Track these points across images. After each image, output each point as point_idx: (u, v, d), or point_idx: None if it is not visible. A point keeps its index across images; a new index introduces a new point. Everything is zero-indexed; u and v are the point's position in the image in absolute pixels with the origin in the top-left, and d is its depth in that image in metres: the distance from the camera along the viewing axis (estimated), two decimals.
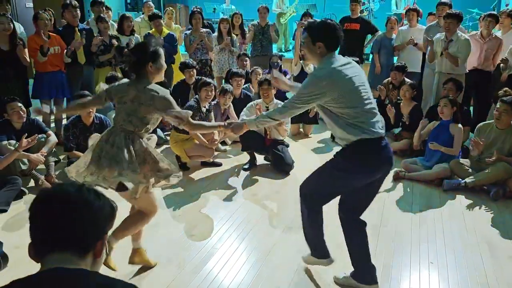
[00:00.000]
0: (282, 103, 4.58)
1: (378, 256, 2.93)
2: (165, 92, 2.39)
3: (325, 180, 2.47)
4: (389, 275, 2.75)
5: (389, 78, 5.66)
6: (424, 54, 5.89)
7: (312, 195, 2.50)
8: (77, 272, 1.02)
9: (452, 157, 4.21)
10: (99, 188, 1.20)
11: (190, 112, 2.51)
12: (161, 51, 2.45)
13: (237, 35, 6.75)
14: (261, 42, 7.02)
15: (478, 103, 5.52)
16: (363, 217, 2.59)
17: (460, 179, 4.06)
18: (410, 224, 3.39)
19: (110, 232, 2.37)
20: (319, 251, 2.67)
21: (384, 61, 6.36)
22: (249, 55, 6.60)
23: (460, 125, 4.23)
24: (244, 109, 4.64)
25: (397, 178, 4.28)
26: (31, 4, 12.00)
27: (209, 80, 4.46)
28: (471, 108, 5.60)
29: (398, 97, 5.39)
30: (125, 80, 2.54)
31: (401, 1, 10.76)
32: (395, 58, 6.47)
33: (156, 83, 2.45)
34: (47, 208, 1.05)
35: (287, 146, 4.69)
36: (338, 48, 2.42)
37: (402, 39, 6.14)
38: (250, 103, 4.71)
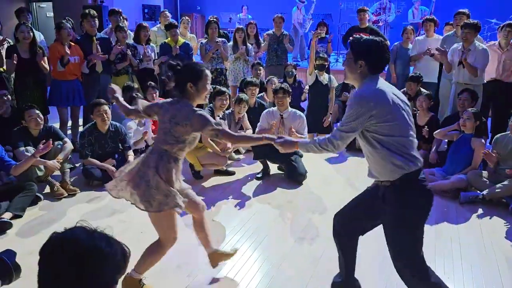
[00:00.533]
0: (297, 111, 4.63)
1: (393, 270, 2.87)
2: (201, 111, 2.35)
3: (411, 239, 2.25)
4: None
5: (405, 89, 5.60)
6: (441, 64, 5.82)
7: (414, 260, 2.27)
8: None
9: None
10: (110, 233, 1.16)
11: (223, 122, 2.44)
12: (205, 73, 2.37)
13: (252, 44, 6.79)
14: (276, 52, 7.04)
15: (496, 114, 5.41)
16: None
17: (477, 191, 3.97)
18: (426, 237, 3.30)
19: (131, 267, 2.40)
20: None
21: (400, 71, 6.30)
22: (263, 64, 6.62)
23: (482, 140, 4.14)
24: (261, 118, 4.65)
25: None
26: (51, 14, 12.31)
27: (223, 89, 4.48)
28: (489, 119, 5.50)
29: (414, 108, 5.33)
30: (169, 99, 2.49)
31: (418, 11, 10.70)
32: (411, 68, 6.41)
33: None
34: (57, 256, 1.03)
35: (301, 156, 4.66)
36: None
37: (419, 49, 6.08)
38: (266, 110, 4.72)
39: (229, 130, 2.44)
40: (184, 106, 2.35)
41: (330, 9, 10.59)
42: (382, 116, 2.00)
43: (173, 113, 2.32)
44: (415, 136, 2.13)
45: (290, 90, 4.65)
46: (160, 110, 2.43)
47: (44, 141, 3.71)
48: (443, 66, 5.27)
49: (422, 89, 5.44)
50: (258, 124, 4.67)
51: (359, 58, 2.09)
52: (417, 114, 5.10)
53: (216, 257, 2.75)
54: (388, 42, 6.58)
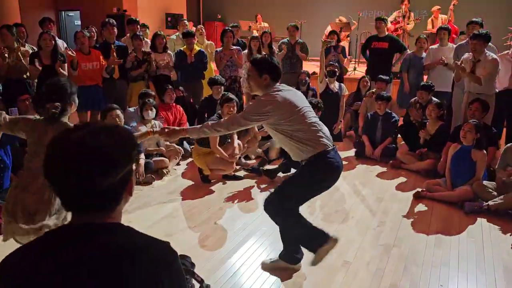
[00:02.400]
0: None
1: (386, 276, 2.90)
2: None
3: (298, 190, 2.74)
4: None
5: (416, 98, 5.60)
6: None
7: (288, 202, 2.74)
8: (114, 226, 1.00)
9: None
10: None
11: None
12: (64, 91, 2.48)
13: (266, 53, 6.90)
14: (291, 60, 7.13)
15: (510, 124, 5.34)
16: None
17: (482, 202, 3.94)
18: (425, 246, 3.33)
19: None
20: (321, 238, 2.78)
21: (414, 80, 6.29)
22: None
23: (484, 151, 4.10)
24: None
25: (418, 197, 4.21)
26: (79, 22, 12.80)
27: (232, 96, 4.61)
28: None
29: (423, 117, 5.32)
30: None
31: (437, 19, 10.59)
32: (425, 77, 6.39)
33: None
34: (64, 166, 0.94)
35: None
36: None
37: (433, 58, 6.06)
38: None
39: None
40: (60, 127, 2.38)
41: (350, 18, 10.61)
42: (280, 115, 2.56)
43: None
44: (317, 121, 2.69)
45: (321, 106, 4.86)
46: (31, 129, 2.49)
47: None
48: (453, 75, 5.24)
49: (434, 98, 5.42)
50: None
51: (263, 73, 2.63)
52: (427, 123, 5.09)
53: None
54: (408, 51, 6.64)
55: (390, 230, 3.58)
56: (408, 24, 10.04)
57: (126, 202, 1.06)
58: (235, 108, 4.58)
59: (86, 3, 12.01)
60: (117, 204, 1.02)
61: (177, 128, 2.92)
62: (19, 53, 5.09)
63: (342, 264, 3.05)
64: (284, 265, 2.91)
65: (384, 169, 5.18)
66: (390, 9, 11.24)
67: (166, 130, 2.76)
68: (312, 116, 2.70)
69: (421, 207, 4.07)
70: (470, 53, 4.89)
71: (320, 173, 2.67)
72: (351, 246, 3.30)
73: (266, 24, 11.41)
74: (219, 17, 13.52)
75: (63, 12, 12.92)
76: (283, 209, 2.74)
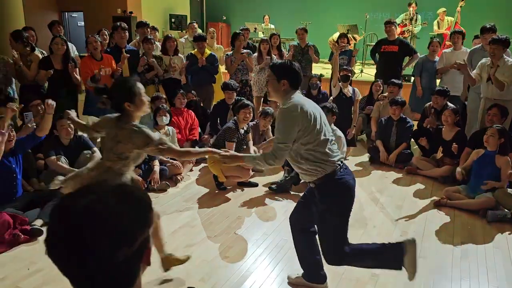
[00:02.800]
0: (337, 130, 4.72)
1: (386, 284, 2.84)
2: (144, 128, 2.43)
3: (337, 228, 2.55)
4: None
5: (431, 103, 5.54)
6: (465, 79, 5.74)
7: (340, 244, 2.56)
8: None
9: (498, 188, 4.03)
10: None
11: (165, 139, 2.55)
12: (137, 88, 2.44)
13: (275, 55, 6.83)
14: (301, 63, 7.06)
15: None
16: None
17: (506, 210, 3.88)
18: (451, 257, 3.27)
19: None
20: (397, 250, 2.60)
21: (426, 84, 6.24)
22: None
23: (508, 157, 4.04)
24: None
25: (438, 205, 4.15)
26: (82, 23, 12.70)
27: (247, 102, 4.53)
28: None
29: (438, 123, 5.26)
30: (111, 115, 2.56)
31: (443, 21, 10.54)
32: (438, 81, 6.34)
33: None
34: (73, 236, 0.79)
35: None
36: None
37: (446, 62, 6.00)
38: None
39: (173, 146, 2.56)
40: (125, 124, 2.43)
41: (357, 20, 10.55)
42: (304, 123, 2.37)
43: (115, 132, 2.42)
44: (329, 138, 2.48)
45: (335, 110, 4.78)
46: (105, 126, 2.53)
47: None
48: (468, 80, 5.17)
49: (449, 104, 5.36)
50: None
51: (282, 77, 2.47)
52: (442, 129, 5.03)
53: (169, 262, 2.83)
54: (418, 54, 6.58)
55: None
56: (415, 27, 9.98)
57: (142, 272, 0.91)
58: (251, 114, 4.51)
59: (89, 4, 11.90)
60: (135, 278, 0.87)
61: (237, 154, 2.73)
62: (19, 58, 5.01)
63: (370, 277, 2.98)
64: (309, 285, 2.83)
65: (400, 175, 5.12)
66: (396, 11, 11.19)
67: (229, 154, 2.62)
68: (326, 130, 2.49)
69: (442, 215, 4.01)
70: (488, 59, 4.82)
71: (342, 199, 2.50)
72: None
73: (272, 26, 11.33)
74: (224, 18, 13.43)
75: (66, 14, 12.82)
76: (344, 252, 2.53)
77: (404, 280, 2.94)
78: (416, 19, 10.16)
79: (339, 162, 2.48)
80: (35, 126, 4.08)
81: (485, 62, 4.83)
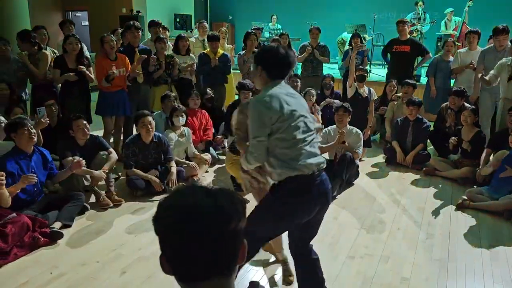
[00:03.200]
0: (354, 129, 4.67)
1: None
2: None
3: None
4: None
5: (447, 103, 5.48)
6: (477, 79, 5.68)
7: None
8: None
9: None
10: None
11: None
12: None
13: None
14: (312, 63, 7.01)
15: None
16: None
17: None
18: (481, 261, 3.20)
19: None
20: None
21: (441, 84, 6.19)
22: (300, 76, 6.60)
23: None
24: (321, 137, 4.67)
25: (460, 207, 4.09)
26: (86, 23, 12.62)
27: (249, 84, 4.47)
28: None
29: (456, 123, 5.20)
30: None
31: (450, 22, 10.50)
32: (452, 81, 6.28)
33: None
34: (187, 232, 0.88)
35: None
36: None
37: (461, 62, 5.94)
38: (325, 130, 4.78)
39: None
40: None
41: (364, 19, 10.50)
42: (275, 116, 2.07)
43: None
44: (308, 139, 2.16)
45: (351, 110, 4.73)
46: None
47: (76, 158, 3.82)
48: (482, 83, 5.10)
49: (466, 104, 5.30)
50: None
51: (258, 63, 2.21)
52: (461, 129, 4.97)
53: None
54: (430, 54, 6.52)
55: (441, 243, 3.45)
56: (423, 26, 9.93)
57: (239, 270, 1.02)
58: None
59: (94, 3, 11.82)
60: (235, 266, 0.96)
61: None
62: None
63: (401, 281, 2.91)
64: None
65: (417, 176, 5.05)
66: (403, 11, 11.14)
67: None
68: (308, 131, 2.17)
69: (466, 217, 3.95)
70: (508, 59, 4.77)
71: (295, 199, 2.14)
72: (405, 261, 3.16)
73: (279, 26, 11.26)
74: (230, 18, 13.36)
75: (70, 13, 12.73)
76: (253, 244, 2.11)
77: (435, 284, 2.88)
78: (425, 18, 10.11)
79: (316, 169, 2.14)
80: (48, 121, 4.00)
81: (505, 62, 4.77)
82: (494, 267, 3.12)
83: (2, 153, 3.55)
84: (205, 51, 6.05)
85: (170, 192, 0.97)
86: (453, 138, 4.92)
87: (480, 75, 4.99)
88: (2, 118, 4.17)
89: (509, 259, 3.23)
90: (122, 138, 5.37)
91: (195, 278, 0.92)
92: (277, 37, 6.79)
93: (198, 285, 0.92)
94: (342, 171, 4.42)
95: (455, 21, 10.33)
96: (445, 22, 10.51)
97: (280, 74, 2.21)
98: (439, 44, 10.06)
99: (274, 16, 11.79)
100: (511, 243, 3.48)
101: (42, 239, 3.24)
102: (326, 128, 4.82)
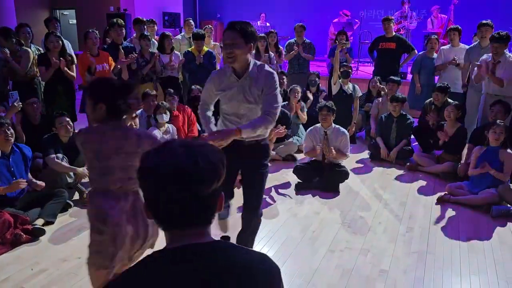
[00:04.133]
0: (341, 128, 4.67)
1: (427, 285, 2.83)
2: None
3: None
4: None
5: (431, 99, 5.55)
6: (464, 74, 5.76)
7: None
8: (218, 245, 1.01)
9: (501, 183, 4.04)
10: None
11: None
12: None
13: (272, 53, 6.79)
14: (298, 60, 7.05)
15: None
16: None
17: (510, 206, 3.90)
18: (459, 253, 3.26)
19: None
20: None
21: (425, 81, 6.25)
22: (286, 73, 6.63)
23: (510, 151, 4.06)
24: (305, 137, 4.75)
25: (441, 201, 4.15)
26: (74, 21, 12.54)
27: None
28: None
29: (439, 120, 5.26)
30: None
31: (437, 19, 10.60)
32: (436, 78, 6.35)
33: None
34: (167, 193, 0.95)
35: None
36: None
37: (444, 59, 6.02)
38: (309, 129, 4.77)
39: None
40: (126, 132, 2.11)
41: (350, 17, 10.56)
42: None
43: (118, 145, 2.06)
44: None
45: (335, 108, 4.67)
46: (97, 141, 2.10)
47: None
48: (472, 77, 5.18)
49: (449, 100, 5.37)
50: (303, 144, 4.71)
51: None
52: (445, 125, 5.04)
53: None
54: (416, 51, 6.59)
55: (420, 236, 3.51)
56: (411, 23, 10.02)
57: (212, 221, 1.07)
58: None
59: (81, 1, 11.76)
60: (213, 216, 1.03)
61: (229, 129, 2.41)
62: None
63: (379, 273, 2.96)
64: None
65: (401, 171, 5.11)
66: (390, 9, 11.23)
67: (216, 133, 2.34)
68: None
69: (446, 211, 4.01)
70: (489, 55, 4.84)
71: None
72: (385, 254, 3.21)
73: (268, 24, 11.29)
74: (219, 16, 13.35)
75: (57, 11, 12.64)
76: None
77: (413, 275, 2.93)
78: (411, 16, 10.20)
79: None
80: (21, 105, 3.97)
81: (486, 58, 4.84)
82: (471, 258, 3.18)
83: None
84: (189, 49, 6.06)
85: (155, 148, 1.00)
86: (439, 132, 4.97)
87: (474, 74, 5.03)
88: None
89: (485, 251, 3.29)
90: None
91: (175, 227, 1.00)
92: (263, 35, 6.80)
93: (178, 233, 1.00)
94: None
95: (441, 18, 10.43)
96: (431, 19, 10.61)
97: None
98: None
99: (263, 14, 11.82)
100: (488, 235, 3.55)
101: (24, 236, 3.24)
102: (311, 127, 4.78)
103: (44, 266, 2.96)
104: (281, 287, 1.06)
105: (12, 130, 3.56)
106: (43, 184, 3.72)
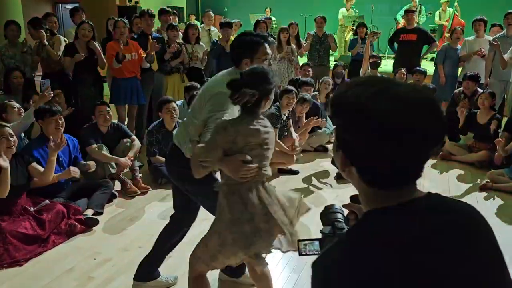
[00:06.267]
0: None
1: None
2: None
3: None
4: None
5: (461, 88, 5.56)
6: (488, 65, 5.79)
7: None
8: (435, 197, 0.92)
9: None
10: None
11: None
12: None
13: (294, 44, 6.74)
14: (318, 52, 7.01)
15: None
16: None
17: None
18: (506, 239, 3.27)
19: None
20: None
21: (449, 71, 6.27)
22: (311, 65, 6.60)
23: None
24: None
25: (484, 189, 4.16)
26: None
27: (291, 87, 4.44)
28: None
29: (470, 108, 5.27)
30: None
31: (445, 12, 10.66)
32: (460, 69, 6.37)
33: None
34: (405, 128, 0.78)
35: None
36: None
37: (468, 50, 6.04)
38: None
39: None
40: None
41: (362, 11, 10.56)
42: None
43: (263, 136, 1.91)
44: None
45: None
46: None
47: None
48: (499, 63, 5.19)
49: (479, 89, 5.39)
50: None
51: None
52: (477, 113, 5.04)
53: None
54: (437, 43, 6.60)
55: None
56: (420, 18, 10.05)
57: None
58: (295, 99, 4.43)
59: None
60: None
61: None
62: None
63: None
64: None
65: (434, 161, 5.11)
66: (398, 3, 11.25)
67: None
68: None
69: (492, 198, 4.02)
70: None
71: None
72: None
73: (274, 18, 11.23)
74: (226, 10, 13.27)
75: (60, 5, 12.42)
76: None
77: None
78: (420, 10, 10.23)
79: None
80: (52, 94, 3.84)
81: None
82: None
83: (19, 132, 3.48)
84: (216, 39, 5.98)
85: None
86: (461, 109, 4.98)
87: (501, 57, 5.03)
88: (17, 105, 4.02)
89: None
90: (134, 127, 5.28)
91: (395, 184, 0.84)
92: (285, 27, 6.74)
93: (393, 192, 0.84)
94: None
95: (449, 12, 10.48)
96: (439, 13, 10.66)
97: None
98: (434, 35, 10.21)
99: (268, 9, 11.77)
100: None
101: (79, 226, 3.16)
102: None
103: (106, 256, 2.88)
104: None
105: (63, 120, 3.47)
106: (93, 163, 3.68)
